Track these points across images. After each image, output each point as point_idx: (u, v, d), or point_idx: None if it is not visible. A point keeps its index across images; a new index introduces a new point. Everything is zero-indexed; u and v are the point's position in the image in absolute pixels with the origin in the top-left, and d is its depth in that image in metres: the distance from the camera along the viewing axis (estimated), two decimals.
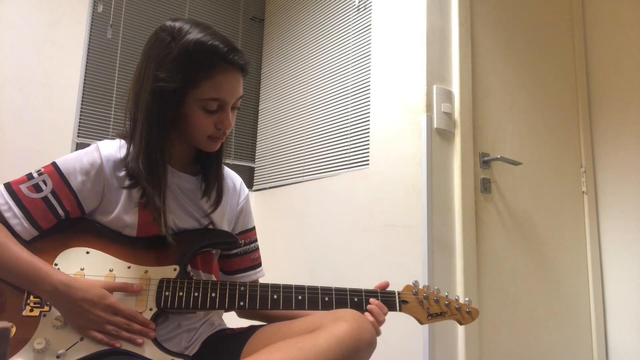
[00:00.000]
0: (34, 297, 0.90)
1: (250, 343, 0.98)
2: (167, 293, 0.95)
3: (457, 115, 1.74)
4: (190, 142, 1.04)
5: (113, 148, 1.00)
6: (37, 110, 2.08)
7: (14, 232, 0.91)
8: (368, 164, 1.90)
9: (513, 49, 2.01)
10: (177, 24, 0.98)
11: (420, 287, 1.10)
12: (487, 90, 1.87)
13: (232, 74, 0.98)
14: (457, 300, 1.11)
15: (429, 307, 1.08)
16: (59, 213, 0.95)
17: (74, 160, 0.97)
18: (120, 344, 0.89)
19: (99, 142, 1.01)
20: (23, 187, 0.93)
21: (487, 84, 1.87)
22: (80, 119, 2.20)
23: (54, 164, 0.97)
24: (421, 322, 1.08)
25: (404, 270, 1.65)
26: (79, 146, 2.18)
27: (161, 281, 0.95)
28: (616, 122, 2.13)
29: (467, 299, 1.13)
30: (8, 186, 0.93)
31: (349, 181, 1.98)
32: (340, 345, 0.84)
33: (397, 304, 1.06)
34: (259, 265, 1.22)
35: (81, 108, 2.21)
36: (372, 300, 1.03)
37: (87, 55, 2.25)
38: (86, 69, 2.24)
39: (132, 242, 0.97)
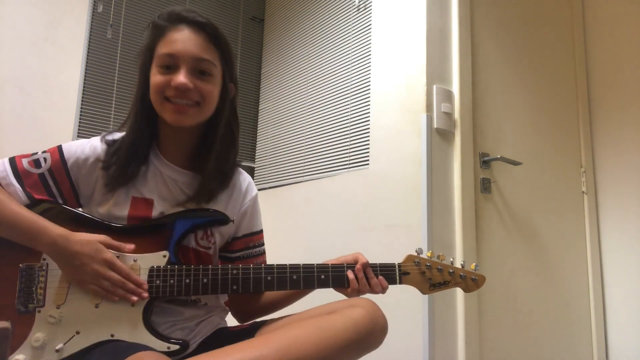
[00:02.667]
0: (26, 294, 0.90)
1: (260, 334, 0.97)
2: (157, 282, 0.93)
3: (457, 115, 1.74)
4: (164, 119, 1.00)
5: (115, 137, 1.03)
6: (37, 110, 2.08)
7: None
8: (368, 164, 1.90)
9: (513, 48, 2.01)
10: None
11: (424, 255, 1.06)
12: (487, 90, 1.87)
13: (184, 30, 0.97)
14: (462, 267, 1.06)
15: (431, 277, 1.04)
16: (53, 192, 0.97)
17: (77, 146, 1.01)
18: (117, 298, 0.90)
19: (105, 134, 1.04)
20: (24, 161, 0.98)
21: (487, 84, 1.87)
22: (80, 119, 2.20)
23: (59, 146, 1.01)
24: (423, 293, 1.05)
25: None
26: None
27: (151, 269, 0.94)
28: (616, 122, 2.13)
29: (473, 264, 1.08)
30: (12, 159, 0.98)
31: (349, 181, 1.98)
32: (357, 327, 0.86)
33: (397, 277, 1.03)
34: None
35: (81, 108, 2.21)
36: (372, 274, 1.03)
37: (87, 56, 2.25)
38: (86, 69, 2.24)
39: (119, 230, 0.97)
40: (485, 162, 1.80)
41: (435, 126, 1.68)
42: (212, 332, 1.05)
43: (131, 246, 0.94)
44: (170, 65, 0.96)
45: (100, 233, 0.94)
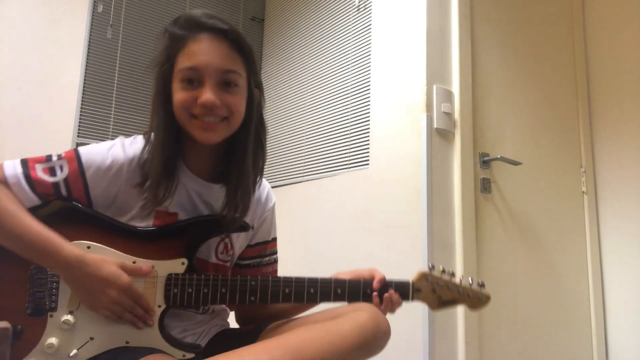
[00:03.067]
0: (38, 299, 0.86)
1: (265, 336, 0.97)
2: (175, 290, 0.90)
3: (457, 115, 1.74)
4: (190, 135, 0.95)
5: (139, 145, 0.95)
6: (37, 109, 2.08)
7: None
8: (368, 164, 1.90)
9: (513, 48, 2.01)
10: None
11: (435, 272, 1.07)
12: (487, 90, 1.87)
13: (206, 40, 0.89)
14: (470, 286, 1.07)
15: (441, 295, 1.05)
16: (64, 197, 0.92)
17: (97, 154, 0.93)
18: (125, 322, 0.88)
19: (125, 139, 0.96)
20: (38, 167, 0.90)
21: (487, 84, 1.87)
22: (80, 118, 2.20)
23: (76, 150, 0.93)
24: (432, 309, 1.06)
25: (404, 270, 1.65)
26: (79, 146, 2.18)
27: (169, 277, 0.91)
28: (616, 122, 2.13)
29: (479, 281, 1.09)
30: (24, 162, 0.90)
31: (349, 181, 1.98)
32: (363, 331, 0.86)
33: (411, 294, 1.04)
34: None
35: (81, 108, 2.21)
36: (391, 291, 1.01)
37: (87, 55, 2.25)
38: (86, 69, 2.24)
39: (138, 234, 0.92)
40: (485, 162, 1.80)
41: (435, 126, 1.68)
42: (216, 333, 1.05)
43: (148, 268, 0.89)
44: (194, 80, 0.89)
45: (118, 236, 0.90)
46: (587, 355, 1.98)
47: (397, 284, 1.03)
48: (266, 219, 1.10)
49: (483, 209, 1.76)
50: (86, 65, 2.24)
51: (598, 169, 2.17)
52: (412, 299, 1.04)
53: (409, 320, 1.60)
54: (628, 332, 1.97)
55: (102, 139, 2.24)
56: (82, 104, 2.21)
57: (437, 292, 1.05)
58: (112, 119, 2.29)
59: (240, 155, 0.97)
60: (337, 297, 0.99)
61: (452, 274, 1.07)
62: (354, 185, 1.95)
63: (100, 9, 2.29)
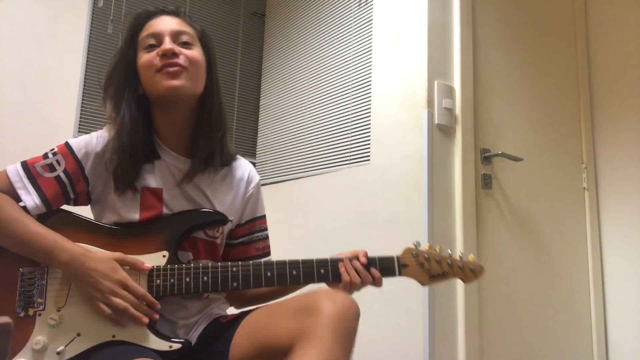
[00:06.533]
0: (26, 298, 0.90)
1: (240, 330, 0.97)
2: (157, 281, 0.94)
3: (458, 110, 1.73)
4: (168, 107, 1.03)
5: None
6: (37, 105, 2.08)
7: (25, 208, 0.94)
8: (369, 160, 1.90)
9: (515, 44, 2.00)
10: None
11: (422, 247, 1.07)
12: (489, 85, 1.87)
13: (162, 16, 1.06)
14: (460, 258, 1.07)
15: (430, 268, 1.05)
16: (69, 195, 0.99)
17: (85, 141, 1.01)
18: (125, 322, 0.89)
19: (110, 126, 1.04)
20: (38, 166, 0.97)
21: (489, 80, 1.87)
22: (81, 113, 2.19)
23: (66, 144, 1.01)
24: (422, 284, 1.06)
25: None
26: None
27: (151, 270, 0.95)
28: (618, 118, 2.12)
29: (471, 254, 1.09)
30: (24, 164, 0.98)
31: (349, 177, 1.98)
32: (335, 320, 0.84)
33: (397, 269, 1.05)
34: (266, 254, 1.18)
35: (82, 103, 2.21)
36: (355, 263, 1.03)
37: (88, 50, 2.24)
38: (87, 64, 2.23)
39: (117, 232, 0.98)
40: (486, 158, 1.80)
41: (436, 122, 1.68)
42: (208, 324, 1.06)
43: (148, 265, 0.94)
44: (154, 44, 1.02)
45: (102, 236, 0.96)
46: (587, 351, 1.99)
47: (381, 259, 1.04)
48: (252, 196, 1.15)
49: (484, 204, 1.76)
50: (87, 61, 2.23)
51: (599, 165, 2.16)
52: (399, 274, 1.05)
53: (410, 315, 1.60)
54: (628, 327, 1.97)
55: None
56: (82, 99, 2.21)
57: (426, 266, 1.05)
58: None
59: (205, 122, 1.06)
60: (321, 277, 1.01)
61: (440, 249, 1.07)
62: (354, 180, 1.95)
63: (100, 3, 2.29)
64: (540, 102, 2.06)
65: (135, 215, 0.99)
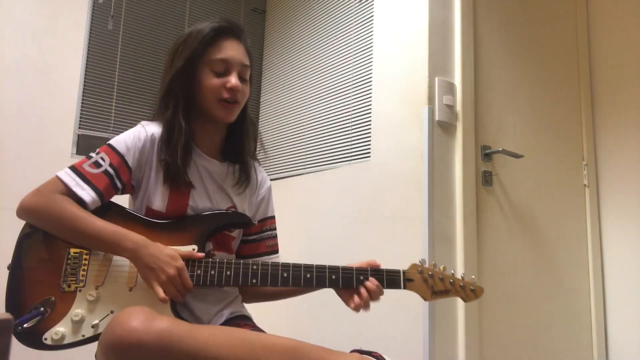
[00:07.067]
0: (70, 275, 1.02)
1: None
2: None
3: (458, 107, 1.73)
4: (211, 120, 1.15)
5: (155, 126, 1.14)
6: (38, 101, 2.08)
7: (83, 203, 1.04)
8: (369, 157, 1.90)
9: (516, 41, 2.00)
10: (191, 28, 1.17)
11: (427, 265, 1.14)
12: (489, 82, 1.86)
13: (232, 39, 1.15)
14: (462, 278, 1.15)
15: (434, 285, 1.12)
16: (117, 185, 1.09)
17: (124, 138, 1.12)
18: (168, 300, 1.00)
19: (143, 122, 1.16)
20: (85, 166, 1.08)
21: (489, 77, 1.87)
22: (81, 110, 2.19)
23: (108, 144, 1.11)
24: (425, 299, 1.13)
25: (404, 262, 1.65)
26: (81, 138, 2.18)
27: (185, 261, 1.05)
28: (618, 115, 2.12)
29: (472, 276, 1.16)
30: (72, 167, 1.07)
31: (350, 173, 1.98)
32: None
33: (402, 282, 1.12)
34: (275, 252, 1.30)
35: (82, 99, 2.21)
36: (371, 279, 1.09)
37: (88, 47, 2.24)
38: (87, 60, 2.23)
39: (153, 225, 1.09)
40: (487, 154, 1.79)
41: (437, 118, 1.68)
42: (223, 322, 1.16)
43: (201, 254, 1.06)
44: (222, 70, 1.12)
45: (139, 227, 1.07)
46: (587, 347, 1.99)
47: (388, 272, 1.12)
48: (264, 198, 1.29)
49: (484, 201, 1.76)
50: (87, 57, 2.23)
51: (600, 162, 2.16)
52: (404, 287, 1.12)
53: (410, 311, 1.60)
54: (628, 324, 1.98)
55: (104, 130, 2.24)
56: (83, 96, 2.21)
57: (430, 282, 1.12)
58: (113, 110, 2.29)
59: (240, 137, 1.23)
60: (332, 283, 1.09)
61: (444, 268, 1.15)
62: (355, 177, 1.95)
63: (101, 0, 2.28)
64: (541, 98, 2.06)
65: (163, 206, 1.10)
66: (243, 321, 1.17)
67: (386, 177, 1.80)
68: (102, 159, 1.09)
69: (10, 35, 2.05)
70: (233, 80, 1.11)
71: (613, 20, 2.19)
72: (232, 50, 1.13)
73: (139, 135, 1.12)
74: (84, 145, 2.18)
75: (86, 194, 1.04)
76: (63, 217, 1.01)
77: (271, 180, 2.51)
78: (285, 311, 2.17)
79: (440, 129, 1.69)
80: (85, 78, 2.22)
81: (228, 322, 1.15)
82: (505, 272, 1.79)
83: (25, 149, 2.02)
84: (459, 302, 1.62)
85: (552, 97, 2.10)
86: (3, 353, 0.52)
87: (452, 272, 1.15)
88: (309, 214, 2.18)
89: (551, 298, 1.92)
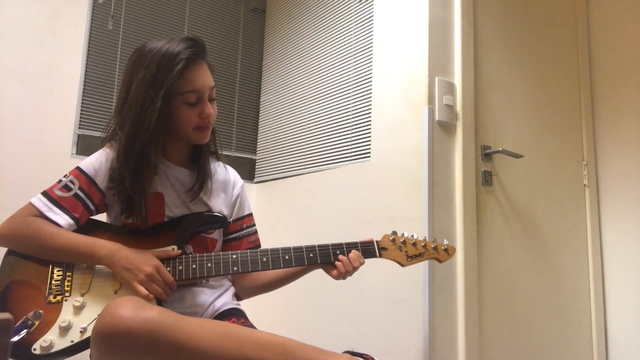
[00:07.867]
0: (55, 287, 1.05)
1: None
2: (168, 268, 1.09)
3: (458, 107, 1.73)
4: (181, 138, 1.19)
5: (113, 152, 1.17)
6: (38, 101, 2.08)
7: (58, 227, 1.08)
8: (369, 157, 1.90)
9: (516, 41, 2.00)
10: (147, 46, 1.15)
11: (398, 235, 1.21)
12: (489, 82, 1.86)
13: (199, 63, 1.15)
14: (434, 240, 1.23)
15: (407, 250, 1.19)
16: (90, 207, 1.13)
17: (92, 160, 1.17)
18: (152, 298, 1.04)
19: (105, 148, 1.20)
20: (56, 190, 1.12)
21: (490, 77, 1.87)
22: (81, 110, 2.20)
23: (77, 167, 1.15)
24: (402, 265, 1.19)
25: None
26: (81, 138, 2.18)
27: (162, 260, 1.10)
28: (618, 115, 2.12)
29: (444, 240, 1.23)
30: (44, 193, 1.12)
31: (350, 173, 1.98)
32: None
33: (377, 251, 1.19)
34: (257, 247, 1.34)
35: (82, 99, 2.21)
36: (353, 251, 1.17)
37: (88, 47, 2.24)
38: (87, 60, 2.23)
39: (130, 233, 1.14)
40: (487, 154, 1.80)
41: (437, 119, 1.68)
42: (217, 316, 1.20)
43: (177, 252, 1.12)
44: (195, 101, 1.15)
45: (122, 236, 1.12)
46: (587, 347, 1.99)
47: (362, 243, 1.20)
48: (238, 198, 1.34)
49: (484, 201, 1.76)
50: (87, 57, 2.23)
51: (600, 162, 2.16)
52: (380, 255, 1.19)
53: (408, 317, 1.60)
54: (628, 325, 1.98)
55: (104, 130, 2.24)
56: (83, 96, 2.21)
57: (403, 249, 1.19)
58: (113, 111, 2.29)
59: (206, 149, 1.27)
60: (310, 260, 1.15)
61: (414, 235, 1.22)
62: (355, 177, 1.95)
63: (101, 0, 2.28)
64: (541, 98, 2.06)
65: (143, 217, 1.12)
66: (235, 316, 1.20)
67: (386, 177, 1.80)
68: (72, 182, 1.12)
69: (10, 35, 2.05)
70: (207, 110, 1.16)
71: (613, 20, 2.19)
72: (201, 78, 1.15)
73: (107, 156, 1.16)
74: (84, 145, 2.18)
75: (60, 218, 1.08)
76: (38, 237, 1.05)
77: (271, 180, 2.53)
78: (285, 311, 2.17)
79: (440, 129, 1.69)
80: (85, 78, 2.22)
81: (220, 316, 1.19)
82: (505, 271, 1.79)
83: (25, 149, 2.02)
84: (459, 301, 1.62)
85: (552, 96, 2.10)
86: (3, 353, 0.52)
87: (425, 237, 1.21)
88: (309, 214, 2.18)
89: (551, 298, 1.92)
